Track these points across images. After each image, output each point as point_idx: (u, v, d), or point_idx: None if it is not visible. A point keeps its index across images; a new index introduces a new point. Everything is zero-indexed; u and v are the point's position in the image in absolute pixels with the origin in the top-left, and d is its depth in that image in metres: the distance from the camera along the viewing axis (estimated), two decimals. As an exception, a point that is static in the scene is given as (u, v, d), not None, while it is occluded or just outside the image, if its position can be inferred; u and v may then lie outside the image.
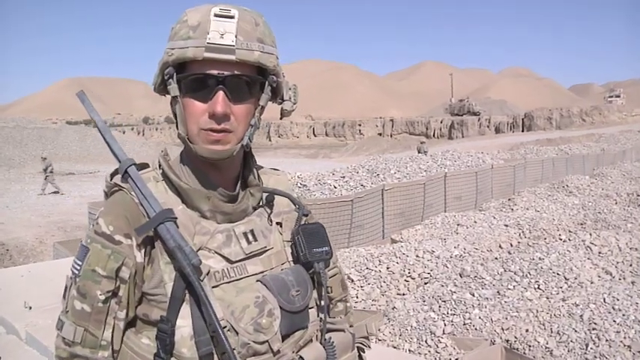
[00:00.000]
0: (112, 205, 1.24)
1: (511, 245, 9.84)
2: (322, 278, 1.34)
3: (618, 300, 6.26)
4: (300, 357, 1.26)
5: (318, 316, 1.35)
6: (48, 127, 51.22)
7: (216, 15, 1.15)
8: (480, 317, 6.19)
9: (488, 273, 7.39)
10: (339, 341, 1.37)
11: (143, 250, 1.19)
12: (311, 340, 1.32)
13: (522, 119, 73.89)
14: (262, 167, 1.44)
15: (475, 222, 11.77)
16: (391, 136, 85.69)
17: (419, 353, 5.70)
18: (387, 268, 8.39)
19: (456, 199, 14.43)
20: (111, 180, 1.28)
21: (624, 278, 7.63)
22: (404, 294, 7.61)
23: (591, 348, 5.36)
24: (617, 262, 8.20)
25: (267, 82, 1.23)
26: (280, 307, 1.23)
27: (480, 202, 15.17)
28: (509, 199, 15.26)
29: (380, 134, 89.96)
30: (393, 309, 6.74)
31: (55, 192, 22.95)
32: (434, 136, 79.80)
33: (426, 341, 5.88)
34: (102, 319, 1.17)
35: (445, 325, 6.15)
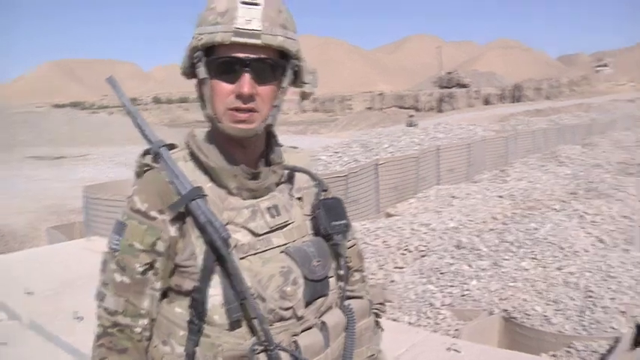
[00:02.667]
0: (145, 183, 1.32)
1: (505, 216, 9.92)
2: (341, 249, 1.43)
3: (613, 267, 6.37)
4: (322, 322, 1.35)
5: (337, 284, 1.44)
6: (33, 111, 50.64)
7: (242, 2, 1.22)
8: (477, 288, 6.27)
9: (484, 244, 7.47)
10: (358, 307, 1.46)
11: (176, 225, 1.27)
12: (331, 307, 1.41)
13: (511, 90, 73.83)
14: (283, 146, 1.51)
15: (469, 194, 11.86)
16: (381, 110, 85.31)
17: (419, 325, 5.78)
18: (384, 242, 8.47)
19: (449, 172, 14.50)
20: (142, 160, 1.36)
21: (617, 246, 7.75)
22: (402, 267, 7.68)
23: (587, 315, 5.46)
24: (610, 231, 8.31)
25: (289, 66, 1.30)
26: (303, 276, 1.32)
27: (473, 174, 15.25)
28: (501, 171, 15.34)
29: (369, 109, 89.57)
30: (391, 282, 6.82)
31: None
32: (423, 109, 79.58)
33: (425, 313, 5.97)
34: (141, 290, 1.27)
35: (444, 296, 6.23)
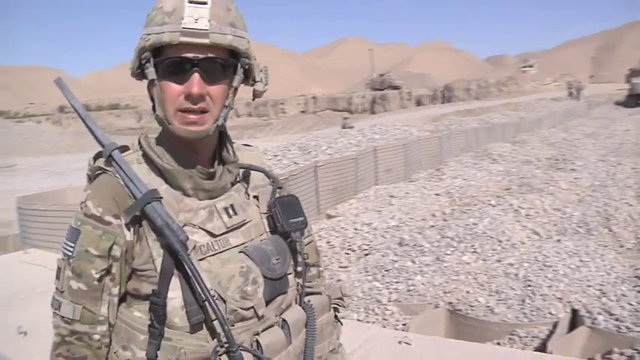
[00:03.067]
0: (99, 187, 1.29)
1: (444, 213, 10.19)
2: (299, 246, 1.45)
3: (548, 257, 6.66)
4: (283, 320, 1.36)
5: (296, 281, 1.46)
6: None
7: (190, 1, 1.21)
8: (422, 283, 6.43)
9: (426, 240, 7.66)
10: (318, 303, 1.48)
11: (132, 229, 1.26)
12: (291, 304, 1.42)
13: (442, 91, 75.34)
14: (236, 143, 1.50)
15: (407, 193, 12.09)
16: (315, 113, 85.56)
17: (367, 322, 5.87)
18: (328, 242, 8.55)
19: (387, 172, 14.70)
20: (94, 163, 1.32)
21: (551, 237, 8.10)
22: (346, 266, 7.78)
23: (528, 303, 5.70)
24: (544, 223, 8.68)
25: (239, 65, 1.29)
26: (263, 275, 1.33)
27: (410, 174, 15.51)
28: (437, 169, 15.67)
29: (303, 112, 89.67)
30: (337, 281, 6.89)
31: None
32: (357, 111, 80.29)
33: (373, 310, 6.06)
34: (98, 296, 1.24)
35: (390, 293, 6.35)
